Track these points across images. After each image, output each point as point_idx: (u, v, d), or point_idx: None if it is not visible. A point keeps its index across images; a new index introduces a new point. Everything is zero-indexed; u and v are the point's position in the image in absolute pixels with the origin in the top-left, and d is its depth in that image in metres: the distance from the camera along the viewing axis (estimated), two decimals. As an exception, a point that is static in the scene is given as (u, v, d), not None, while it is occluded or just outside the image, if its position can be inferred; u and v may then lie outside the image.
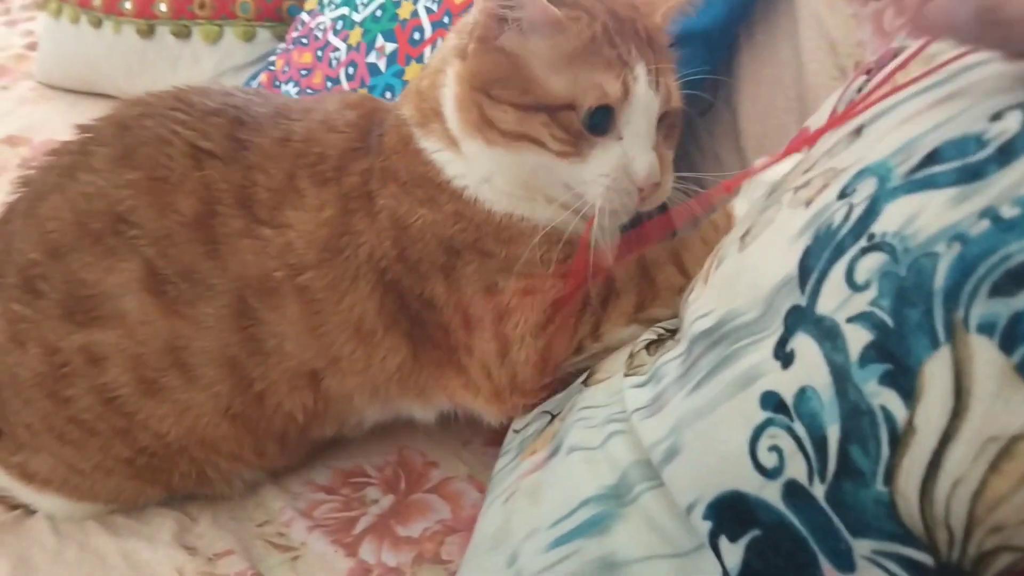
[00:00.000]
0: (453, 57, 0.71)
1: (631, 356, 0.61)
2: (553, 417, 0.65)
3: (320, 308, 0.73)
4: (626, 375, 0.58)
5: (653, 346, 0.61)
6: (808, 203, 0.47)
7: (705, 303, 0.53)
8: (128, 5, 1.51)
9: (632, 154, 0.65)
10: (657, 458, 0.49)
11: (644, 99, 0.65)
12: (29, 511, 0.82)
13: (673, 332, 0.62)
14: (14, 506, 0.82)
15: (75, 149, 0.77)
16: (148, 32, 1.51)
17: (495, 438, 0.76)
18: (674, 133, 0.71)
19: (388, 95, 1.08)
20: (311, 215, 0.73)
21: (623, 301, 0.69)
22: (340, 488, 0.84)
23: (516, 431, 0.72)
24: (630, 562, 0.49)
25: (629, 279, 0.69)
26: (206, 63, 1.48)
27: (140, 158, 0.73)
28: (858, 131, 0.50)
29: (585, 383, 0.65)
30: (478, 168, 0.70)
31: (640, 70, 0.65)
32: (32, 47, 1.82)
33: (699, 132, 1.04)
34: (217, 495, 0.82)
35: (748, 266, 0.50)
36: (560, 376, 0.72)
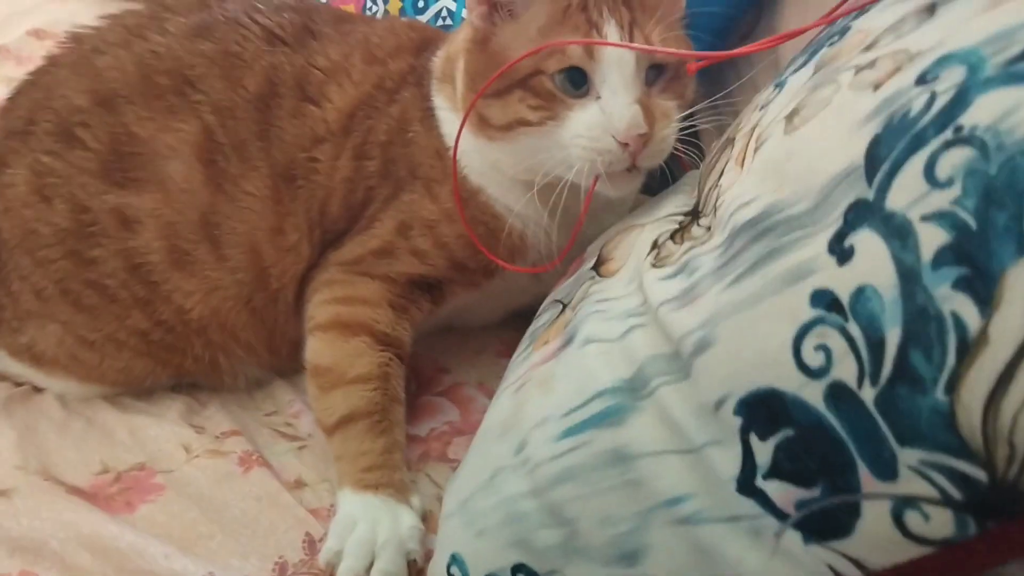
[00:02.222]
0: (465, 49, 0.72)
1: (656, 247, 0.57)
2: (564, 306, 0.62)
3: (316, 188, 0.74)
4: (653, 267, 0.54)
5: (678, 235, 0.56)
6: (876, 86, 0.42)
7: (746, 189, 0.48)
8: (160, -95, 1.45)
9: (610, 109, 0.63)
10: (687, 349, 0.45)
11: (614, 56, 0.63)
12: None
13: (693, 216, 0.58)
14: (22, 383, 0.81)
15: (145, 14, 0.78)
16: (180, -66, 1.45)
17: (507, 349, 0.74)
18: (676, 86, 0.67)
19: (420, 3, 1.03)
20: (350, 89, 0.75)
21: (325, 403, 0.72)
22: (351, 386, 0.82)
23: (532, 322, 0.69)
24: (642, 455, 0.46)
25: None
26: None
27: (217, 33, 0.75)
28: (930, 8, 0.44)
29: (597, 271, 0.62)
30: (481, 157, 0.72)
31: (609, 29, 0.64)
32: None
33: (737, 60, 0.98)
34: (222, 387, 0.81)
35: (800, 151, 0.45)
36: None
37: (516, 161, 0.68)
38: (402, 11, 1.04)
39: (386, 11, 1.06)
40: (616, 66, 0.63)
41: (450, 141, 0.73)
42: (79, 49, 0.77)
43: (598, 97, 0.63)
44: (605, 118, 0.63)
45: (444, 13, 1.01)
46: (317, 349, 0.73)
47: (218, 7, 0.78)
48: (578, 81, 0.64)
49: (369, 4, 1.09)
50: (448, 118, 0.74)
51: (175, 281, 0.74)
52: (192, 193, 0.73)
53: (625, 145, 0.62)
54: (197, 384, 0.81)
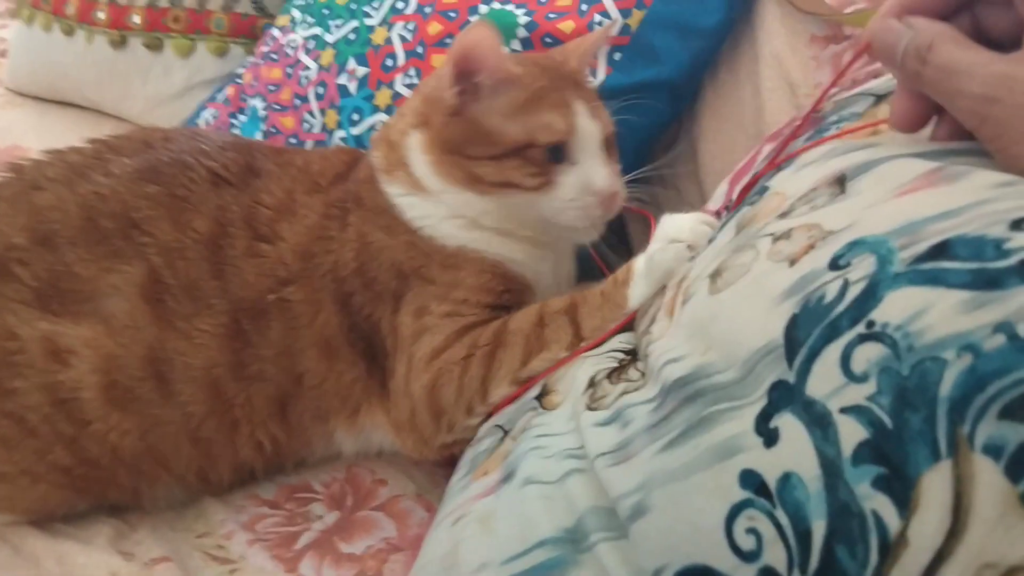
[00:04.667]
0: (414, 127, 0.76)
1: (592, 386, 0.57)
2: (505, 433, 0.61)
3: (297, 325, 0.72)
4: (588, 408, 0.54)
5: (615, 374, 0.57)
6: (792, 262, 0.43)
7: (674, 345, 0.49)
8: (101, 15, 1.43)
9: (590, 173, 0.72)
10: (624, 512, 0.45)
11: (587, 129, 0.73)
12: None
13: (632, 355, 0.59)
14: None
15: (88, 153, 0.76)
16: (120, 43, 1.43)
17: (447, 458, 0.71)
18: (614, 154, 0.78)
19: (356, 117, 1.04)
20: (298, 224, 0.75)
21: (509, 355, 0.68)
22: (284, 503, 0.79)
23: (470, 446, 0.67)
24: None
25: (519, 329, 0.69)
26: (177, 76, 1.41)
27: (163, 176, 0.74)
28: (840, 182, 0.46)
29: (540, 402, 0.61)
30: (465, 212, 0.74)
31: (579, 107, 0.73)
32: (3, 54, 1.71)
33: (661, 166, 1.01)
34: (141, 509, 0.77)
35: (723, 316, 0.46)
36: (460, 441, 0.71)
37: (504, 214, 0.74)
38: (339, 124, 1.04)
39: (323, 124, 1.06)
40: (590, 139, 0.73)
41: (420, 221, 0.74)
42: (18, 181, 0.74)
43: (575, 163, 0.72)
44: (589, 182, 0.72)
45: (379, 127, 1.01)
46: (430, 394, 0.70)
47: (163, 148, 0.76)
48: (558, 153, 0.72)
49: (307, 118, 1.09)
50: (412, 202, 0.75)
51: (112, 420, 0.70)
52: (137, 329, 0.70)
53: (602, 202, 0.72)
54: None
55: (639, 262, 0.66)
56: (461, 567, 0.52)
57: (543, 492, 0.51)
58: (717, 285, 0.49)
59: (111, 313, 0.70)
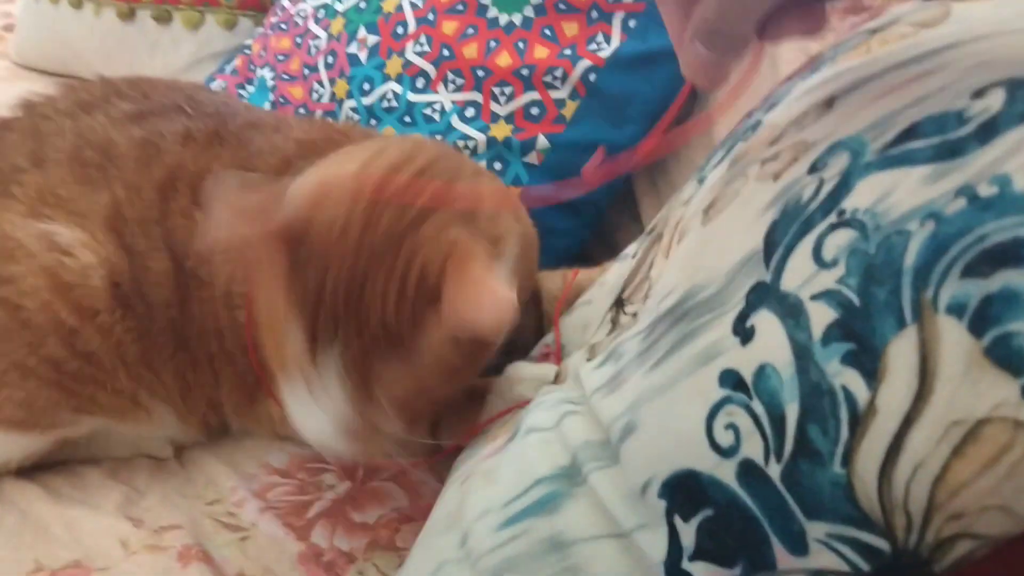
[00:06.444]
0: None
1: (592, 347, 0.60)
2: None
3: (212, 310, 0.76)
4: (587, 360, 0.56)
5: (614, 332, 0.58)
6: (776, 177, 0.44)
7: (668, 280, 0.51)
8: (110, -13, 1.48)
9: None
10: (615, 435, 0.46)
11: None
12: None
13: (618, 305, 0.60)
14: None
15: (96, 92, 0.84)
16: (129, 15, 1.48)
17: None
18: None
19: (367, 87, 1.06)
20: None
21: None
22: (296, 472, 0.82)
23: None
24: (577, 541, 0.47)
25: None
26: (185, 49, 1.45)
27: (147, 122, 0.80)
28: (829, 103, 0.47)
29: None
30: None
31: None
32: (9, 28, 1.78)
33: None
34: (138, 425, 0.80)
35: (712, 240, 0.48)
36: None
37: None
38: (348, 94, 1.07)
39: (333, 94, 1.09)
40: None
41: None
42: (30, 115, 0.82)
43: None
44: None
45: (390, 96, 1.04)
46: None
47: (157, 98, 0.83)
48: None
49: (316, 87, 1.12)
50: None
51: (117, 314, 0.74)
52: (109, 250, 0.75)
53: None
54: (134, 469, 0.80)
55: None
56: (466, 517, 0.54)
57: (541, 437, 0.53)
58: (709, 215, 0.50)
59: (91, 231, 0.75)
